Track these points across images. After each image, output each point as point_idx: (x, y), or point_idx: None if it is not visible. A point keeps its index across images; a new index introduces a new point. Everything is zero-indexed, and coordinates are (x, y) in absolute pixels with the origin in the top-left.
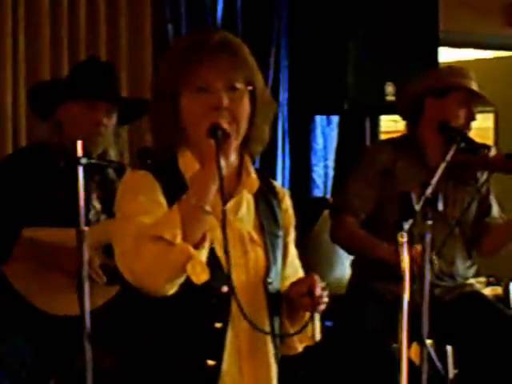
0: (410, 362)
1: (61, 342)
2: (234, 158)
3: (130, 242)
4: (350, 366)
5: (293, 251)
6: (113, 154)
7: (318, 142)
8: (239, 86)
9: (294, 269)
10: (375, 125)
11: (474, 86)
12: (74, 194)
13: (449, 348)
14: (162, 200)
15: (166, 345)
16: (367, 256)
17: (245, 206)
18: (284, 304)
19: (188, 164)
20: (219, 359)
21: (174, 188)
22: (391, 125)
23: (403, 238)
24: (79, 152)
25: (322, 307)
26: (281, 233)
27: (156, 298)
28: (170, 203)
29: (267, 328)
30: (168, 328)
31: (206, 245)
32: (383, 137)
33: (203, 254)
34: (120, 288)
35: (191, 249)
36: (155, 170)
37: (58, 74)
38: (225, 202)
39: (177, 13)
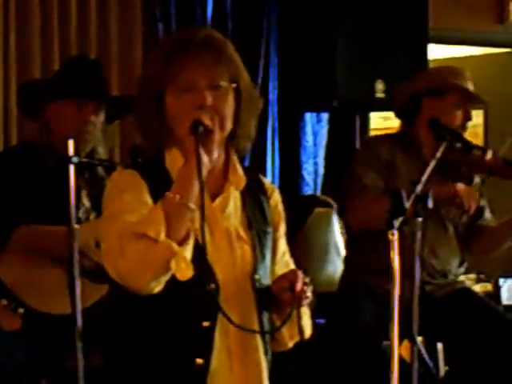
0: (401, 360)
1: (52, 340)
2: (217, 154)
3: (115, 240)
4: (342, 363)
5: (283, 247)
6: (101, 152)
7: (308, 139)
8: (223, 83)
9: (284, 265)
10: (365, 122)
11: (471, 87)
12: (64, 193)
13: (439, 345)
14: (148, 199)
15: (154, 344)
16: None
17: (232, 203)
18: (272, 299)
19: (174, 162)
20: (207, 358)
21: (161, 186)
22: (380, 122)
23: (394, 236)
24: (70, 151)
25: (305, 302)
26: (270, 229)
27: (143, 297)
28: (156, 202)
29: (256, 324)
30: (156, 327)
31: (190, 241)
32: (373, 134)
33: (187, 251)
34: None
35: (175, 245)
36: (142, 169)
37: (48, 74)
38: (203, 195)
39: (167, 11)
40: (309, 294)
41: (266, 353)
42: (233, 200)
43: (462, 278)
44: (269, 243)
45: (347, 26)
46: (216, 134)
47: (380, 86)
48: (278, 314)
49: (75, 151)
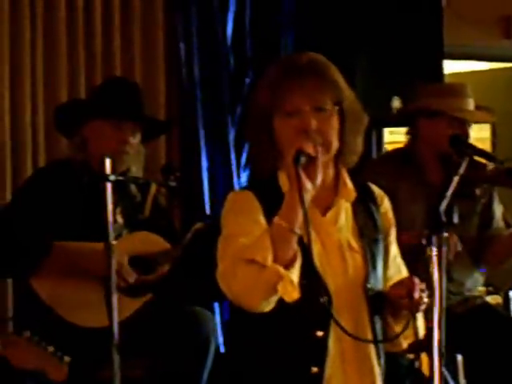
0: (420, 374)
1: (89, 353)
2: (321, 178)
3: (229, 262)
4: None
5: (394, 251)
6: (134, 170)
7: None
8: (327, 106)
9: (397, 267)
10: (380, 137)
11: (470, 105)
12: (100, 210)
13: (459, 357)
14: (262, 220)
15: (271, 354)
16: None
17: (343, 216)
18: (387, 303)
19: (284, 184)
20: (322, 366)
21: (275, 206)
22: (387, 136)
23: (433, 252)
24: (108, 169)
25: (422, 307)
26: (380, 236)
27: (259, 314)
28: (271, 221)
29: (369, 331)
30: (272, 338)
31: (297, 264)
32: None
33: (294, 273)
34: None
35: (281, 269)
36: (257, 189)
37: (75, 93)
38: (307, 221)
39: (188, 31)
40: (425, 300)
41: (378, 358)
42: (344, 212)
43: (480, 289)
44: (380, 250)
45: (365, 44)
46: (319, 160)
47: (397, 103)
48: (393, 316)
49: (111, 170)
